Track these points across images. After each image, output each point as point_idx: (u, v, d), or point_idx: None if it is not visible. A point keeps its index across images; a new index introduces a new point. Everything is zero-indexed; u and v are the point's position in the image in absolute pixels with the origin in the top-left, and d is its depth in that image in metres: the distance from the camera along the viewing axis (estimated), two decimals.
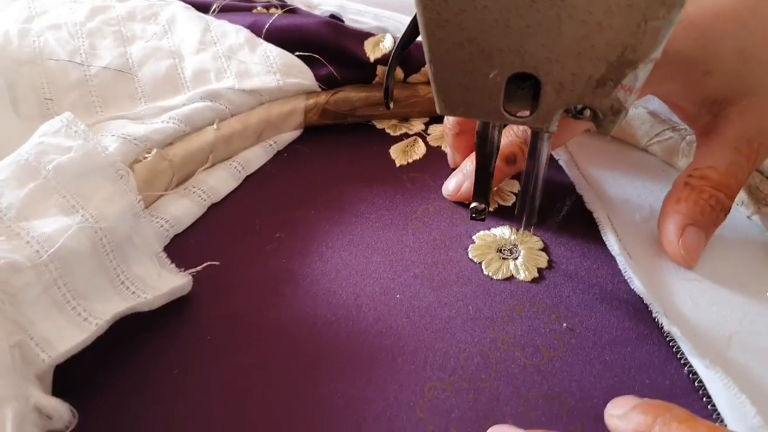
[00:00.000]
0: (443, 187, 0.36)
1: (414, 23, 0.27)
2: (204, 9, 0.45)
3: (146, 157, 0.33)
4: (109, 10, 0.43)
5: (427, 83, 0.41)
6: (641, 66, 0.21)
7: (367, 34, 0.40)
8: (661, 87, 0.30)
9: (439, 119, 0.42)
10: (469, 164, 0.35)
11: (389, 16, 0.44)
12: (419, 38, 0.23)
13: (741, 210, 0.34)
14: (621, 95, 0.22)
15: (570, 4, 0.20)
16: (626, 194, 0.35)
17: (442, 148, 0.39)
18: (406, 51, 0.28)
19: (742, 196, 0.34)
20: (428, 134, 0.41)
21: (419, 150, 0.39)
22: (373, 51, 0.39)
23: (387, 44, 0.40)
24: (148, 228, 0.30)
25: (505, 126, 0.33)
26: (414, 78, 0.40)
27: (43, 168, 0.29)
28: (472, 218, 0.29)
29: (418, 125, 0.41)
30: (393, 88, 0.30)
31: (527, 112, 0.24)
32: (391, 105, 0.31)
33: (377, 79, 0.40)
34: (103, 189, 0.29)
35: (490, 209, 0.35)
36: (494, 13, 0.21)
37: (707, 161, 0.30)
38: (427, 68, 0.29)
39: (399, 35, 0.41)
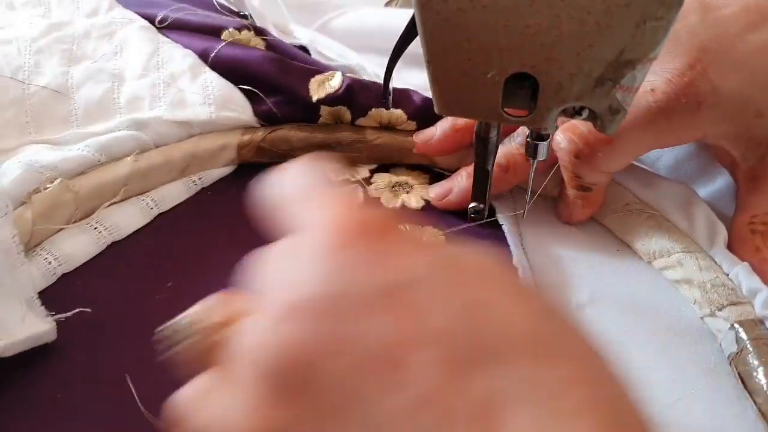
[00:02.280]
0: (429, 190, 0.35)
1: (412, 23, 0.26)
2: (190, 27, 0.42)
3: (47, 188, 0.31)
4: (66, 27, 0.42)
5: (376, 128, 0.38)
6: (640, 66, 0.21)
7: (314, 72, 0.38)
8: (714, 129, 0.29)
9: (385, 168, 0.38)
10: (462, 177, 0.34)
11: (353, 58, 0.42)
12: (417, 39, 0.23)
13: None
14: (619, 95, 0.22)
15: (569, 4, 0.20)
16: (570, 273, 0.31)
17: (381, 201, 0.36)
18: (404, 50, 0.27)
19: None
20: (371, 182, 0.37)
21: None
22: (318, 90, 0.37)
23: (335, 83, 0.37)
24: (22, 267, 0.28)
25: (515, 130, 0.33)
26: (362, 121, 0.38)
27: None
28: (470, 218, 0.30)
29: (363, 172, 0.38)
30: (391, 89, 0.29)
31: (526, 112, 0.24)
32: (390, 106, 0.32)
33: (321, 119, 0.37)
34: None
35: None
36: (493, 13, 0.21)
37: (764, 206, 0.30)
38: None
39: (355, 75, 0.39)
